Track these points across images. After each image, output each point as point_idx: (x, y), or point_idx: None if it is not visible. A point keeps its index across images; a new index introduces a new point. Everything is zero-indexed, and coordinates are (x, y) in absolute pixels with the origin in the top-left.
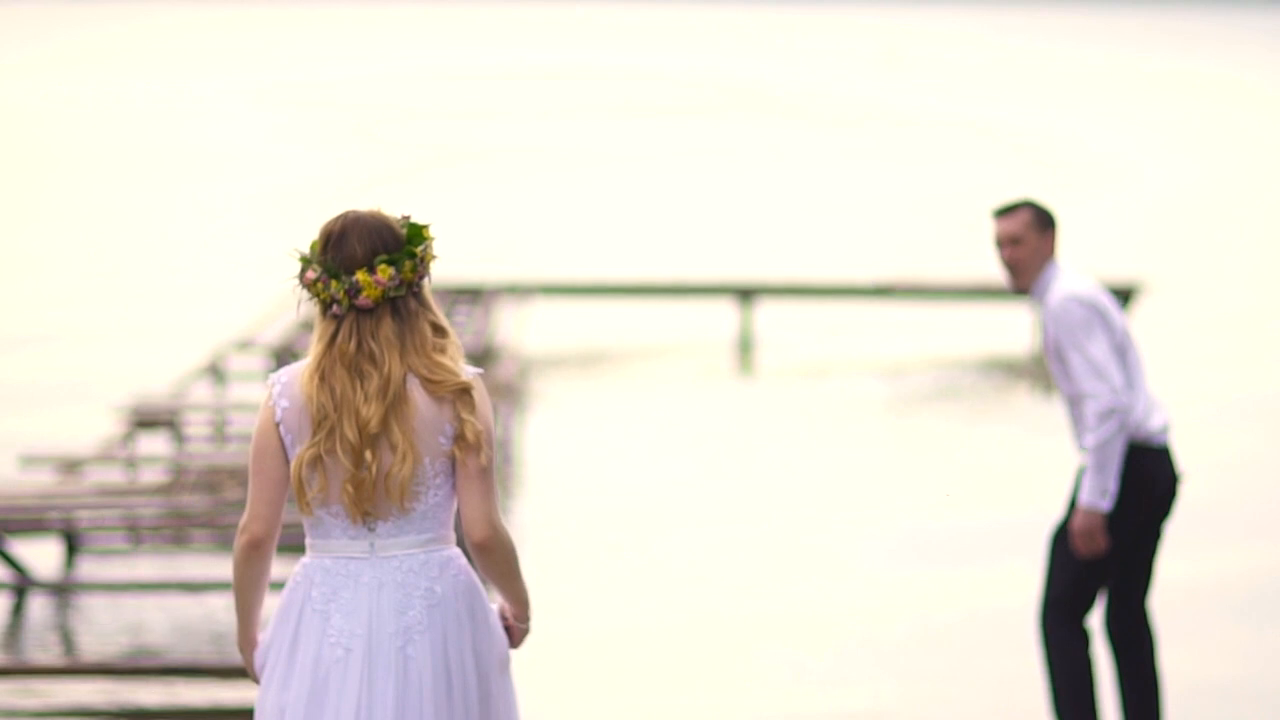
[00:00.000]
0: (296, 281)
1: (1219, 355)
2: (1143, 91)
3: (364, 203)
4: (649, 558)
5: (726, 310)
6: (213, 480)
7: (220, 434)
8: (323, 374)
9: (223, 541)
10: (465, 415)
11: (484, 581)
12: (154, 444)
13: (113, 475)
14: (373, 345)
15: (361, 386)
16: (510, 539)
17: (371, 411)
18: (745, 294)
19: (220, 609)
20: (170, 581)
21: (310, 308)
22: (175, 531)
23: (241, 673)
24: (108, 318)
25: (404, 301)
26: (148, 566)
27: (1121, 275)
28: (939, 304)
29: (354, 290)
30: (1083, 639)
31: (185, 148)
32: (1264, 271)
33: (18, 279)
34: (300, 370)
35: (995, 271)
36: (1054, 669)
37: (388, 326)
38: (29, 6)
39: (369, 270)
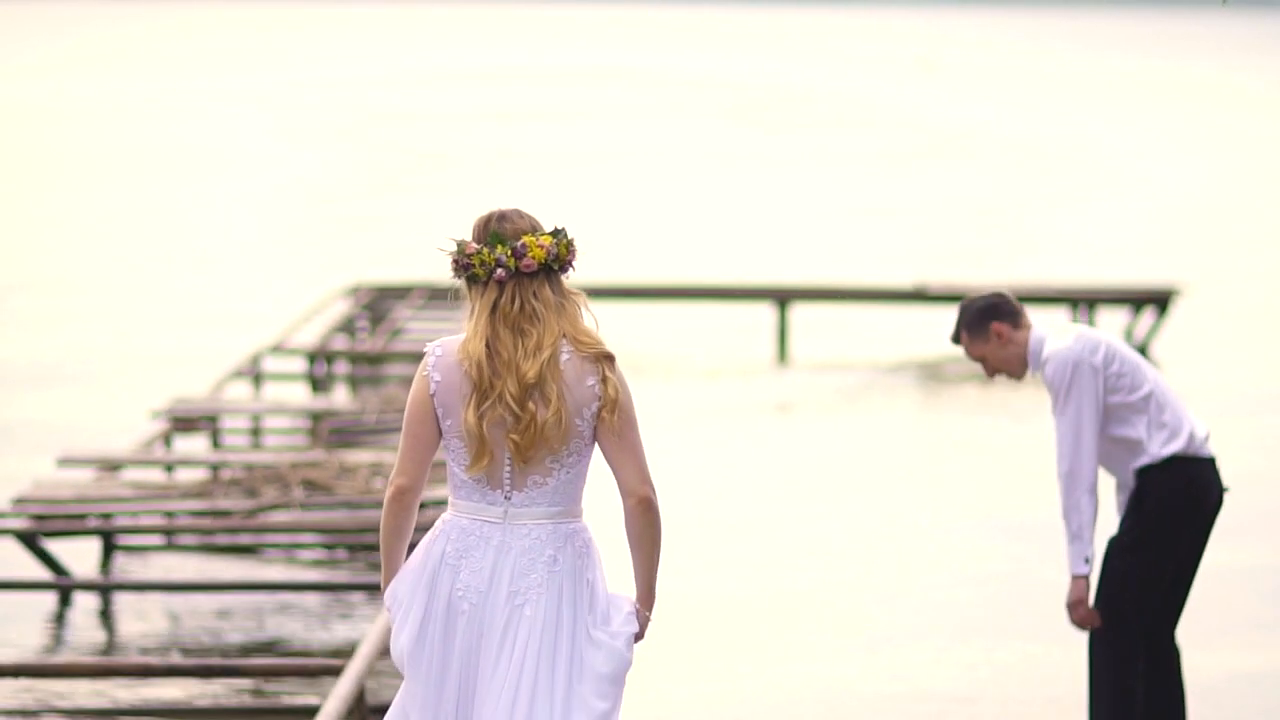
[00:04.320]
0: (452, 263)
1: (1248, 358)
2: (1149, 96)
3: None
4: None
5: (764, 313)
6: (250, 481)
7: (257, 435)
8: (487, 340)
9: (260, 542)
10: (609, 374)
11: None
12: (192, 445)
13: (151, 476)
14: (535, 304)
15: (523, 344)
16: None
17: (530, 365)
18: (782, 297)
19: (257, 608)
20: (207, 582)
21: (339, 321)
22: (212, 532)
23: (277, 673)
24: (121, 338)
25: (557, 277)
26: (185, 566)
27: (1158, 280)
28: None
29: (520, 251)
30: (1132, 658)
31: (187, 149)
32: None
33: (26, 288)
34: (456, 344)
35: (1035, 274)
36: (1096, 685)
37: (547, 290)
38: (32, 8)
39: (534, 234)
